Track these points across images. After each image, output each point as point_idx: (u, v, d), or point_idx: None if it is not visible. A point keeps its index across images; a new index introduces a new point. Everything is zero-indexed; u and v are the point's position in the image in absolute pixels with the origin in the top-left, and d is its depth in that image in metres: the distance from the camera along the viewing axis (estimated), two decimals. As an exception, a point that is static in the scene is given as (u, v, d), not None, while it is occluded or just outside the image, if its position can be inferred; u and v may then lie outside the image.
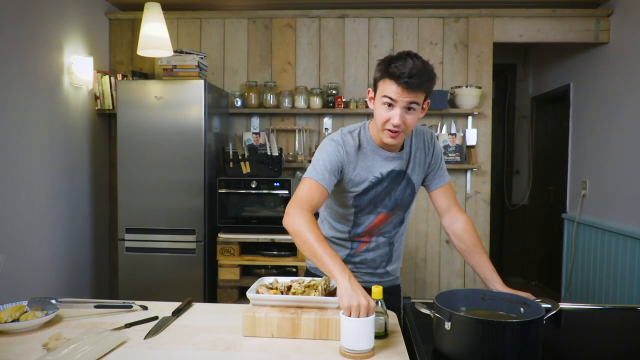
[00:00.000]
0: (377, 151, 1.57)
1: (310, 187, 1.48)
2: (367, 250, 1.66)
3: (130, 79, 3.45)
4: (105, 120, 3.65)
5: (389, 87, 1.42)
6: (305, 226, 1.39)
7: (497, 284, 1.53)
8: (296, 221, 1.41)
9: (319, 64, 3.69)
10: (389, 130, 1.46)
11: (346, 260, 1.66)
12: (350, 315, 1.21)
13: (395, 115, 1.43)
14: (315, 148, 3.63)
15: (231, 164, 3.28)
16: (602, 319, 1.60)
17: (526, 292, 1.39)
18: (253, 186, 3.20)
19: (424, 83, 1.41)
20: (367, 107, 3.53)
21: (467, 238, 1.62)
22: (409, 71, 1.38)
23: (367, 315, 1.21)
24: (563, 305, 1.48)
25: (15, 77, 2.67)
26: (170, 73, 3.18)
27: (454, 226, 1.66)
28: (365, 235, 1.64)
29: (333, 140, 1.56)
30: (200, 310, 1.59)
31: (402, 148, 1.60)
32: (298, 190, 1.50)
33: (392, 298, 1.70)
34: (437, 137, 3.51)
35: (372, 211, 1.61)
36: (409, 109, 1.44)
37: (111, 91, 3.46)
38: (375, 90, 1.50)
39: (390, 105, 1.43)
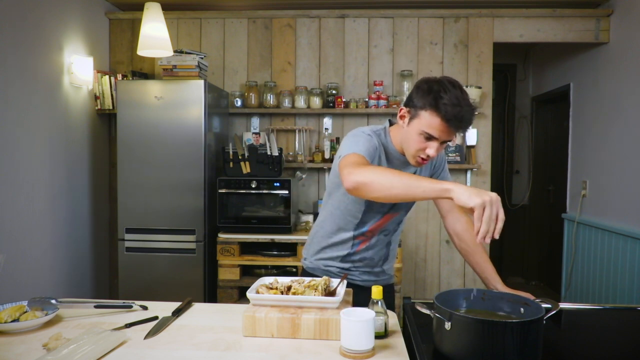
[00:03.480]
0: (395, 154, 1.57)
1: (358, 157, 1.41)
2: (367, 249, 1.67)
3: (130, 79, 3.45)
4: (105, 120, 3.65)
5: (434, 122, 1.37)
6: (381, 169, 1.31)
7: (497, 284, 1.54)
8: (367, 171, 1.29)
9: (319, 64, 3.69)
10: (421, 157, 1.45)
11: (345, 259, 1.67)
12: (483, 213, 1.13)
13: (433, 148, 1.41)
14: (316, 148, 3.64)
15: (231, 164, 3.28)
16: (602, 319, 1.60)
17: (526, 292, 1.39)
18: (253, 186, 3.20)
19: (470, 124, 1.39)
20: (367, 107, 3.53)
21: (468, 238, 1.64)
22: (460, 114, 1.34)
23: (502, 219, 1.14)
24: (563, 305, 1.48)
25: (16, 77, 2.67)
26: (170, 73, 3.18)
27: (455, 227, 1.68)
28: (368, 233, 1.65)
29: (365, 133, 1.53)
30: (200, 310, 1.59)
31: None
32: (346, 160, 1.40)
33: (387, 296, 1.71)
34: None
35: (379, 210, 1.61)
36: (443, 142, 1.43)
37: (111, 91, 3.46)
38: (413, 114, 1.44)
39: (429, 138, 1.41)
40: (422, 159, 1.45)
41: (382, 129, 1.59)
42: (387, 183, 1.25)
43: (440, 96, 1.35)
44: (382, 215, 1.62)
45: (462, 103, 1.35)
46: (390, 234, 1.69)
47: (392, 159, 1.57)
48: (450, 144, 3.52)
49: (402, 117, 1.49)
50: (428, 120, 1.38)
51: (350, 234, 1.65)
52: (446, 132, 1.38)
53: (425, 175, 1.67)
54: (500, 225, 1.14)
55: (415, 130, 1.42)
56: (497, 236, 1.15)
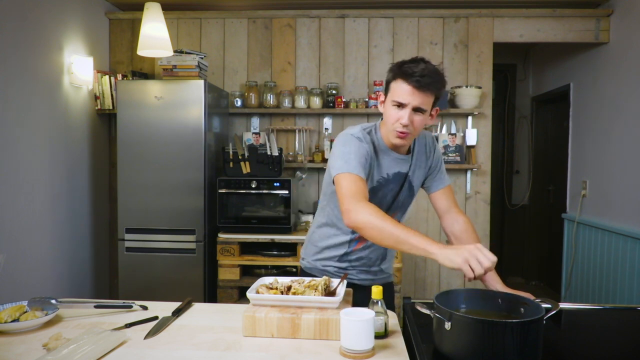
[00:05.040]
0: (387, 152, 1.59)
1: (354, 180, 1.45)
2: (364, 249, 1.68)
3: (130, 79, 3.45)
4: (105, 120, 3.65)
5: (400, 87, 1.46)
6: (376, 217, 1.35)
7: (497, 284, 1.53)
8: (364, 215, 1.36)
9: (319, 64, 3.69)
10: (398, 131, 1.49)
11: (343, 258, 1.68)
12: (472, 270, 1.22)
13: (404, 116, 1.46)
14: (316, 148, 3.64)
15: (231, 164, 3.28)
16: (602, 319, 1.60)
17: (526, 292, 1.39)
18: (253, 186, 3.19)
19: (433, 83, 1.45)
20: (367, 107, 3.53)
21: (466, 239, 1.64)
22: (420, 71, 1.43)
23: (490, 260, 1.23)
24: (563, 305, 1.48)
25: (16, 77, 2.67)
26: (170, 73, 3.18)
27: (453, 227, 1.68)
28: None
29: (354, 136, 1.55)
30: (200, 310, 1.59)
31: (408, 151, 1.63)
32: (343, 186, 1.45)
33: (387, 294, 1.71)
34: (437, 137, 3.54)
35: None
36: (417, 110, 1.47)
37: (111, 91, 3.46)
38: (386, 93, 1.53)
39: (400, 105, 1.47)
40: (401, 132, 1.49)
41: (372, 126, 1.62)
42: (378, 235, 1.35)
43: (403, 64, 1.47)
44: None
45: (422, 64, 1.45)
46: None
47: (383, 156, 1.59)
48: (450, 144, 3.52)
49: (381, 103, 1.57)
50: (395, 88, 1.48)
51: (347, 234, 1.66)
52: (413, 94, 1.44)
53: (419, 176, 1.66)
54: (489, 266, 1.23)
55: (389, 104, 1.50)
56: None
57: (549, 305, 1.24)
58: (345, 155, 1.50)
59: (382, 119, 1.60)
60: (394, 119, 1.49)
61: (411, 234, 1.30)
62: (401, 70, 1.45)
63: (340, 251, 1.68)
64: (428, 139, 1.70)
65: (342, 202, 1.43)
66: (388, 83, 1.51)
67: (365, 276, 1.71)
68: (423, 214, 3.68)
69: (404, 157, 1.61)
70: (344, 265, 1.69)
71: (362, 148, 1.52)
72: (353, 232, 1.64)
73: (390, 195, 1.62)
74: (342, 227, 1.65)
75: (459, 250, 1.24)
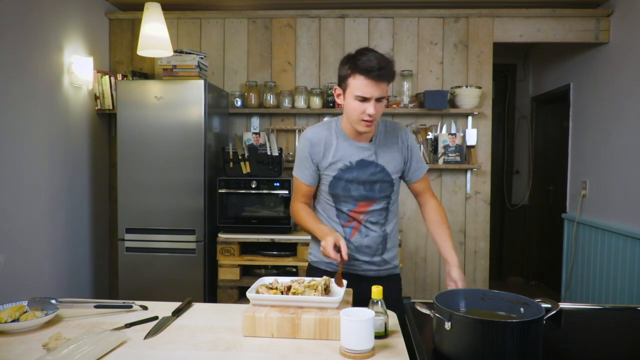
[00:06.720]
0: (347, 140, 1.70)
1: (297, 183, 1.78)
2: (360, 237, 1.74)
3: (130, 79, 3.45)
4: (105, 120, 3.65)
5: (360, 83, 1.54)
6: (298, 213, 1.77)
7: (450, 258, 1.65)
8: (293, 213, 1.80)
9: (319, 64, 3.69)
10: (365, 120, 1.58)
11: None
12: (328, 255, 1.54)
13: (370, 107, 1.56)
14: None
15: (231, 164, 3.28)
16: (602, 319, 1.60)
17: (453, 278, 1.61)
18: (253, 186, 3.19)
19: (390, 73, 1.56)
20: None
21: (434, 216, 1.78)
22: (377, 64, 1.52)
23: (341, 246, 1.54)
24: (563, 305, 1.48)
25: (15, 77, 2.67)
26: (170, 73, 3.18)
27: (425, 206, 1.83)
28: (352, 220, 1.74)
29: (304, 137, 1.74)
30: (200, 310, 1.60)
31: (371, 139, 1.71)
32: (294, 188, 1.81)
33: (392, 286, 1.78)
34: (437, 137, 3.54)
35: (347, 199, 1.71)
36: (379, 99, 1.57)
37: (111, 91, 3.46)
38: (343, 87, 1.62)
39: (364, 99, 1.56)
40: (367, 121, 1.59)
41: (334, 119, 1.76)
42: (301, 226, 1.78)
43: (356, 58, 1.55)
44: (354, 203, 1.72)
45: (376, 56, 1.54)
46: (382, 224, 1.75)
47: (344, 145, 1.70)
48: (450, 144, 3.52)
49: (338, 96, 1.68)
50: (355, 84, 1.56)
51: (337, 223, 1.75)
52: (374, 87, 1.54)
53: (395, 166, 1.74)
54: (329, 252, 1.55)
55: (351, 98, 1.58)
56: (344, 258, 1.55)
57: (549, 305, 1.24)
58: (296, 159, 1.78)
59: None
60: (359, 112, 1.57)
61: (313, 225, 1.70)
62: (358, 66, 1.53)
63: None
64: (402, 131, 1.77)
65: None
66: (345, 78, 1.59)
67: (369, 267, 1.76)
68: (423, 214, 3.68)
69: (366, 145, 1.70)
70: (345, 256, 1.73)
71: (303, 150, 1.72)
72: (339, 218, 1.74)
73: (359, 182, 1.70)
74: (333, 217, 1.75)
75: (325, 238, 1.58)
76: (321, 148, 1.70)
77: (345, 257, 1.53)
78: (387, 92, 1.59)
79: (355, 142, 1.70)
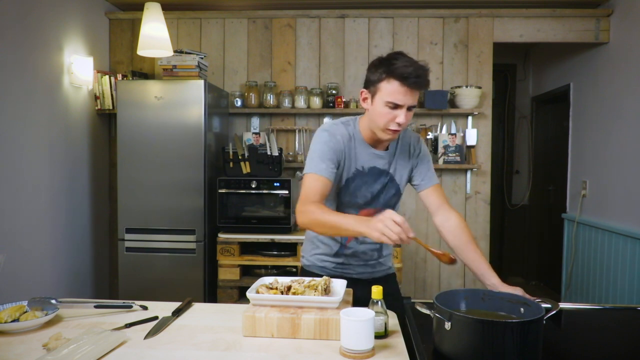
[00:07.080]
0: (364, 145, 1.61)
1: (310, 181, 1.53)
2: (356, 242, 1.69)
3: (130, 79, 3.45)
4: (105, 120, 3.65)
5: (394, 88, 1.45)
6: (317, 213, 1.44)
7: (493, 279, 1.53)
8: (307, 215, 1.46)
9: (319, 64, 3.69)
10: (392, 129, 1.50)
11: (339, 253, 1.70)
12: (389, 240, 1.27)
13: (401, 115, 1.47)
14: (315, 148, 3.64)
15: (231, 164, 3.28)
16: (602, 319, 1.60)
17: (517, 287, 1.42)
18: (253, 186, 3.20)
19: (426, 82, 1.47)
20: (367, 107, 3.53)
21: (460, 234, 1.63)
22: (414, 72, 1.42)
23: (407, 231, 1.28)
24: (563, 305, 1.48)
25: (15, 77, 2.67)
26: (170, 73, 3.18)
27: (447, 223, 1.66)
28: None
29: (324, 130, 1.60)
30: (200, 310, 1.60)
31: (387, 148, 1.64)
32: (303, 188, 1.54)
33: (389, 286, 1.73)
34: (437, 137, 3.54)
35: (351, 205, 1.63)
36: (410, 108, 1.48)
37: (111, 91, 3.46)
38: (373, 91, 1.51)
39: (396, 106, 1.47)
40: (393, 130, 1.50)
41: (352, 119, 1.64)
42: (321, 228, 1.48)
43: (392, 63, 1.45)
44: (357, 209, 1.64)
45: (412, 62, 1.45)
46: None
47: (360, 149, 1.60)
48: (450, 144, 3.52)
49: (364, 99, 1.56)
50: (388, 89, 1.46)
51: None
52: (408, 95, 1.45)
53: (403, 175, 1.67)
54: (399, 230, 1.27)
55: (380, 104, 1.48)
56: (412, 235, 1.30)
57: (549, 305, 1.25)
58: (311, 154, 1.58)
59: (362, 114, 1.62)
60: (388, 119, 1.48)
61: (344, 221, 1.39)
62: (394, 71, 1.44)
63: (335, 246, 1.70)
64: (413, 138, 1.71)
65: (298, 201, 1.51)
66: (377, 82, 1.48)
67: (364, 269, 1.72)
68: (423, 214, 3.68)
69: (381, 153, 1.63)
70: (340, 260, 1.70)
71: (328, 143, 1.55)
72: None
73: (367, 189, 1.63)
74: None
75: (370, 222, 1.30)
76: (343, 146, 1.58)
77: (411, 234, 1.30)
78: (417, 101, 1.50)
79: (371, 149, 1.61)
